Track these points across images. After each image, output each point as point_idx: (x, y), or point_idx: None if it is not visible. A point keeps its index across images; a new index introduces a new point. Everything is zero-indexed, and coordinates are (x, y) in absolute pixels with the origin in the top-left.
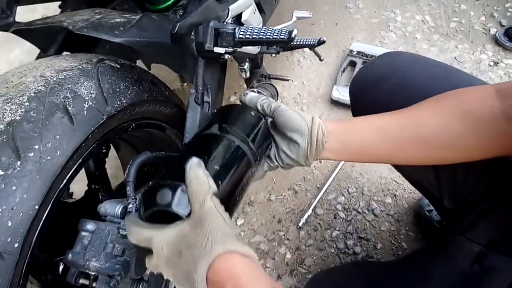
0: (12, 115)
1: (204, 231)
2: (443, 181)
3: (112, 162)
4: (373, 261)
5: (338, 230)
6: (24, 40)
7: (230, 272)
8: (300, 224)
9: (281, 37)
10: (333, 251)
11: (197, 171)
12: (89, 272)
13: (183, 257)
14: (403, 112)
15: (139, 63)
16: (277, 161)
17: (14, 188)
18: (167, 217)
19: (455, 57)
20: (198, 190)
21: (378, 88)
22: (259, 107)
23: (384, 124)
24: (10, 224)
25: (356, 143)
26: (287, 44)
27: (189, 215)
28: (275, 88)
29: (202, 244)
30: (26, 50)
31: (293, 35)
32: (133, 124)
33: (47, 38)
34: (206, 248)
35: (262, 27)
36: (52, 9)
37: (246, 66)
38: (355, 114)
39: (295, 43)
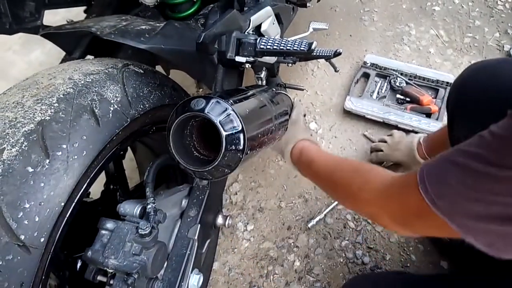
0: (42, 115)
1: (296, 126)
2: None
3: (126, 164)
4: (413, 274)
5: (347, 240)
6: (44, 41)
7: (304, 147)
8: (309, 225)
9: (301, 48)
10: (342, 260)
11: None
12: (107, 270)
13: (286, 135)
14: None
15: (158, 68)
16: None
17: (42, 185)
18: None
19: None
20: (300, 108)
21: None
22: None
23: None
24: (37, 219)
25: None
26: (307, 56)
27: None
28: (290, 100)
29: (293, 133)
30: (46, 51)
31: (313, 47)
32: (154, 128)
33: (73, 42)
34: (295, 135)
35: (283, 38)
36: (73, 13)
37: (263, 74)
38: (454, 121)
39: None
